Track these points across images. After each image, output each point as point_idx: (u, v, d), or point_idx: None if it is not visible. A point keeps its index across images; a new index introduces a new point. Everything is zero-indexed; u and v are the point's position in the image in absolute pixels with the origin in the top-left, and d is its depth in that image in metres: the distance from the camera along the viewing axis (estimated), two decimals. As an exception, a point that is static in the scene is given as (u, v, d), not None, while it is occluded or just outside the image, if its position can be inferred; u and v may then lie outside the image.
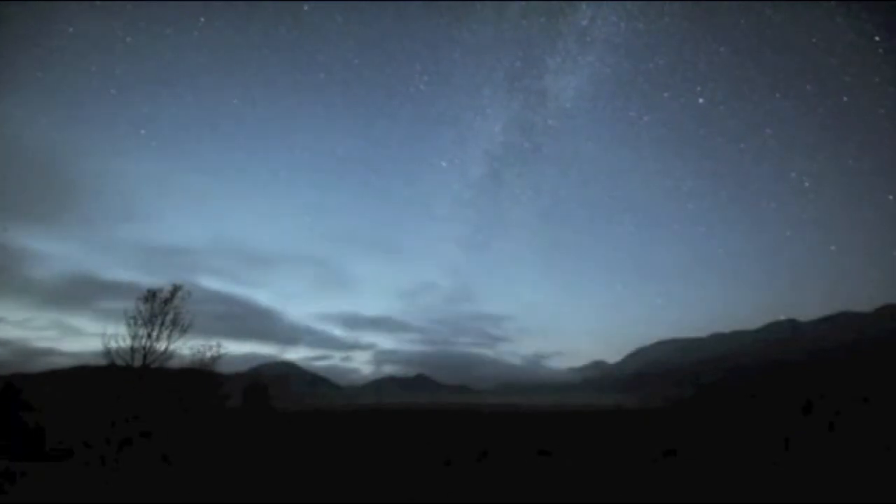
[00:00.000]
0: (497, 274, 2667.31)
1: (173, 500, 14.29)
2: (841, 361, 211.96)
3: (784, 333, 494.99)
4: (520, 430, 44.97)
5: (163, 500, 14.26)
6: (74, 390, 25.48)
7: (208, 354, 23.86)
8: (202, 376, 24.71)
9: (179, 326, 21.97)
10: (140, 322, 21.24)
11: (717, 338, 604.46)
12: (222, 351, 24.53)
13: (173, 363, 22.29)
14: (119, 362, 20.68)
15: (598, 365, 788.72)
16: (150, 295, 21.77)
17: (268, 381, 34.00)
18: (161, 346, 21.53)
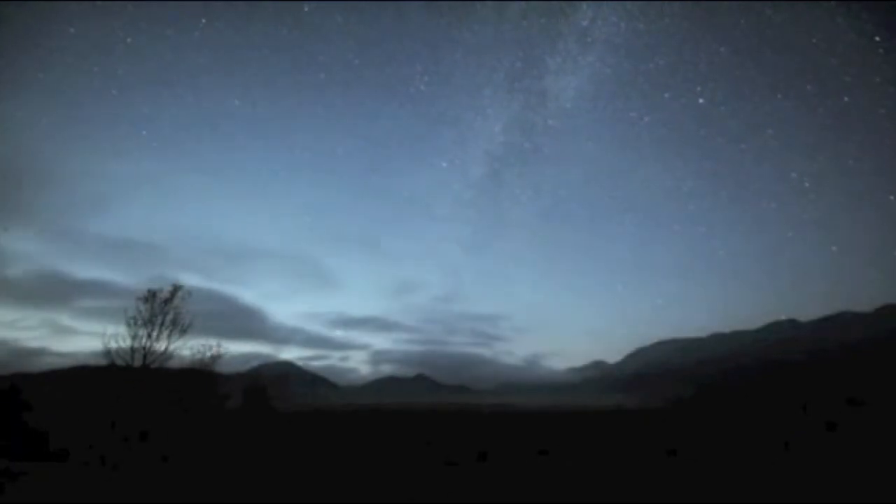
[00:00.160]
0: (497, 274, 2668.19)
1: (173, 500, 14.30)
2: (841, 361, 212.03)
3: (784, 333, 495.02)
4: (520, 431, 45.00)
5: (163, 500, 14.27)
6: (74, 390, 25.48)
7: (208, 354, 23.90)
8: (202, 376, 24.74)
9: (179, 326, 22.01)
10: (140, 322, 21.29)
11: (717, 338, 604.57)
12: (222, 351, 24.59)
13: (173, 363, 22.34)
14: (119, 362, 20.71)
15: (598, 365, 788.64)
16: (150, 295, 21.81)
17: (267, 381, 34.00)
18: (161, 346, 21.58)
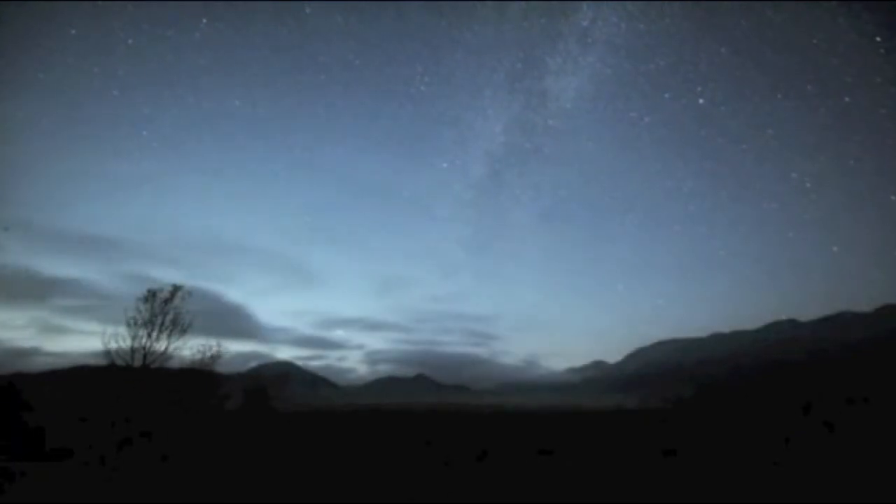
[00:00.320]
0: (498, 274, 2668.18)
1: (173, 500, 14.30)
2: (841, 361, 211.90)
3: (784, 333, 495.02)
4: (519, 430, 44.97)
5: (163, 500, 14.26)
6: (74, 390, 25.47)
7: (208, 354, 23.89)
8: (202, 376, 24.73)
9: (179, 326, 22.01)
10: (140, 322, 21.28)
11: (717, 338, 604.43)
12: (222, 351, 24.58)
13: (173, 363, 22.33)
14: (119, 362, 20.70)
15: (598, 365, 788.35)
16: (150, 295, 21.80)
17: (267, 381, 34.00)
18: (161, 346, 21.57)
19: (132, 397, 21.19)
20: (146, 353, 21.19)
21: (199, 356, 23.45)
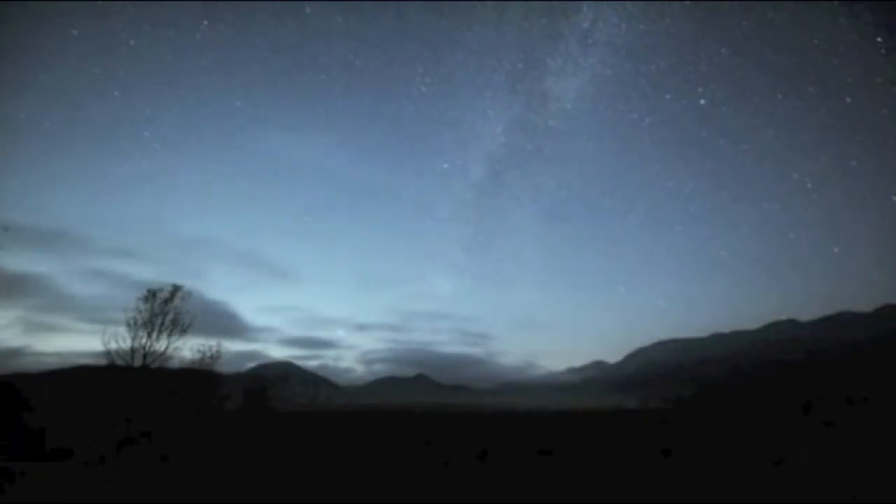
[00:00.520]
0: (498, 274, 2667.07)
1: (173, 500, 14.30)
2: (841, 361, 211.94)
3: (784, 333, 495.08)
4: (519, 431, 44.98)
5: (163, 500, 14.26)
6: (74, 390, 25.47)
7: (208, 354, 23.90)
8: (202, 376, 24.73)
9: (179, 326, 22.02)
10: (140, 322, 21.28)
11: (717, 338, 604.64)
12: (222, 350, 24.58)
13: (173, 363, 22.34)
14: (119, 362, 20.71)
15: (598, 365, 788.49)
16: (151, 295, 21.81)
17: (267, 381, 33.96)
18: (161, 346, 21.58)
19: (132, 397, 21.20)
20: (146, 353, 21.20)
21: (199, 356, 23.47)
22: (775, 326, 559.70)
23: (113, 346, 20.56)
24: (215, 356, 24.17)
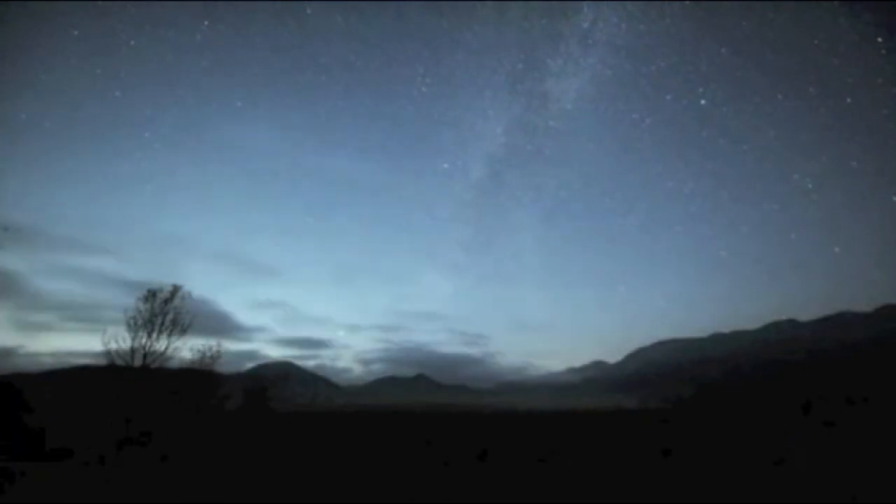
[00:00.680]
0: (498, 274, 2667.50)
1: (173, 500, 14.30)
2: (841, 361, 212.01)
3: (784, 333, 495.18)
4: (519, 431, 44.99)
5: (163, 500, 14.27)
6: (74, 390, 25.48)
7: (208, 354, 23.90)
8: (202, 376, 24.74)
9: (179, 326, 22.03)
10: (140, 322, 21.29)
11: (717, 338, 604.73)
12: (222, 350, 24.59)
13: (173, 363, 22.35)
14: (119, 362, 20.72)
15: (598, 365, 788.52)
16: (151, 295, 21.82)
17: (267, 381, 33.97)
18: (161, 346, 21.59)
19: (132, 397, 21.21)
20: (146, 353, 21.21)
21: (198, 356, 23.48)
22: (775, 326, 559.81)
23: (113, 346, 20.58)
24: (215, 356, 24.20)
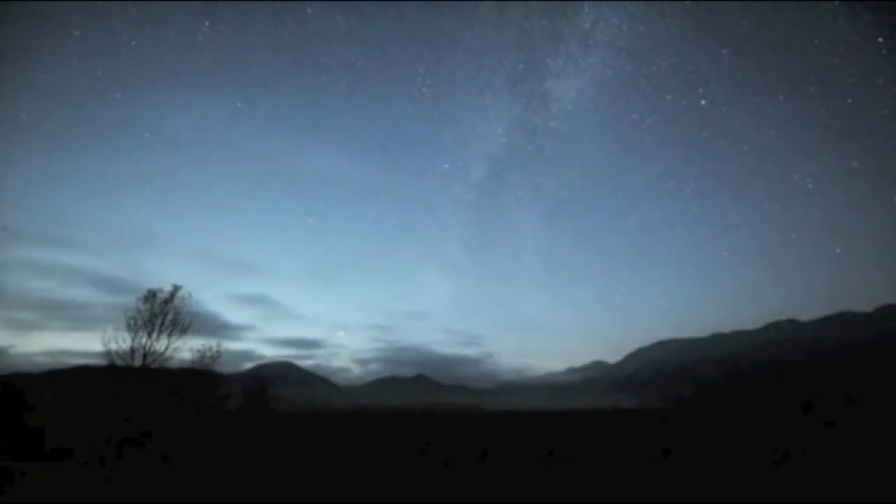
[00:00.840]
0: (499, 274, 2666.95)
1: (173, 500, 14.30)
2: (841, 361, 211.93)
3: (784, 333, 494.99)
4: (519, 431, 44.99)
5: (163, 500, 14.27)
6: (74, 390, 25.47)
7: (208, 354, 23.88)
8: (202, 376, 24.72)
9: (179, 326, 22.00)
10: (140, 322, 21.27)
11: (717, 338, 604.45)
12: (222, 350, 24.57)
13: (173, 363, 22.32)
14: (119, 362, 20.69)
15: (598, 365, 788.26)
16: (151, 295, 21.79)
17: (267, 381, 33.95)
18: (161, 346, 21.57)
19: (132, 397, 21.19)
20: (146, 353, 21.19)
21: (198, 356, 23.45)
22: (775, 326, 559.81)
23: (113, 346, 20.55)
24: (215, 356, 24.16)
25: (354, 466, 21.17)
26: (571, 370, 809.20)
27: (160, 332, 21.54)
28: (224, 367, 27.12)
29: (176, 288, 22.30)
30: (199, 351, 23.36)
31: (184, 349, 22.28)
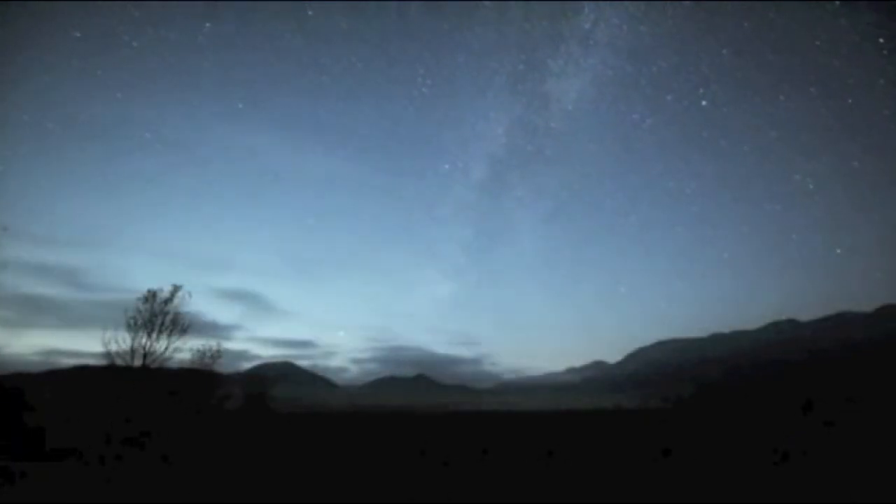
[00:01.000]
0: (499, 275, 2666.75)
1: (173, 500, 14.30)
2: (841, 361, 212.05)
3: (784, 333, 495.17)
4: (519, 430, 45.01)
5: (163, 500, 14.27)
6: (74, 390, 25.49)
7: (208, 354, 23.91)
8: (202, 376, 24.75)
9: (179, 326, 22.03)
10: (140, 322, 21.29)
11: (717, 338, 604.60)
12: (223, 349, 24.60)
13: (173, 363, 22.35)
14: (119, 362, 20.72)
15: (598, 365, 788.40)
16: (151, 295, 21.82)
17: (267, 381, 33.99)
18: (161, 346, 21.59)
19: (132, 397, 21.21)
20: (146, 353, 21.21)
21: (198, 356, 23.48)
22: (775, 326, 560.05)
23: (113, 346, 20.57)
24: (215, 356, 24.20)
25: (354, 466, 21.18)
26: (571, 370, 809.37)
27: (160, 332, 21.57)
28: (223, 367, 27.17)
29: (176, 288, 22.33)
30: (198, 351, 23.40)
31: (184, 349, 22.32)
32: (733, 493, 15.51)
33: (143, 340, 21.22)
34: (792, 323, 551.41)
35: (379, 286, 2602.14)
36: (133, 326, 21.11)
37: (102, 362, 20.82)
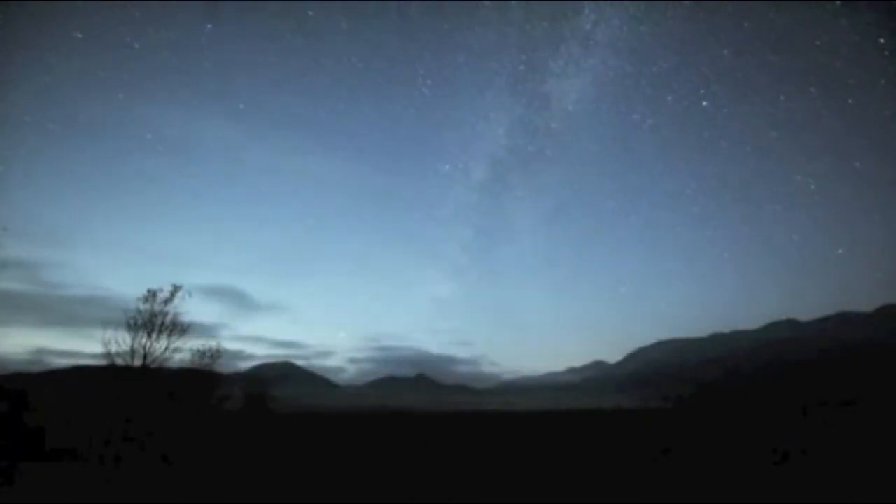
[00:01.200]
0: (499, 275, 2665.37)
1: (173, 500, 14.30)
2: (841, 361, 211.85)
3: (784, 333, 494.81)
4: (520, 430, 45.00)
5: (163, 500, 14.27)
6: (74, 390, 25.47)
7: (208, 354, 23.88)
8: (202, 376, 24.72)
9: (179, 327, 21.99)
10: (139, 322, 21.27)
11: (717, 338, 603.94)
12: (222, 349, 24.57)
13: (173, 363, 22.33)
14: (119, 362, 20.70)
15: (598, 365, 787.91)
16: (150, 295, 21.79)
17: (268, 381, 34.01)
18: (160, 346, 21.57)
19: (132, 397, 21.19)
20: (146, 354, 21.19)
21: (198, 356, 23.45)
22: (775, 326, 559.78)
23: (113, 346, 20.55)
24: (215, 356, 24.17)
25: (355, 466, 21.17)
26: (571, 370, 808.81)
27: (160, 332, 21.55)
28: (223, 368, 27.14)
29: (176, 288, 22.30)
30: (198, 351, 23.37)
31: (183, 349, 22.30)
32: (733, 493, 15.51)
33: (143, 340, 21.21)
34: (792, 323, 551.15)
35: (379, 286, 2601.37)
36: (133, 326, 21.10)
37: (102, 362, 20.81)
